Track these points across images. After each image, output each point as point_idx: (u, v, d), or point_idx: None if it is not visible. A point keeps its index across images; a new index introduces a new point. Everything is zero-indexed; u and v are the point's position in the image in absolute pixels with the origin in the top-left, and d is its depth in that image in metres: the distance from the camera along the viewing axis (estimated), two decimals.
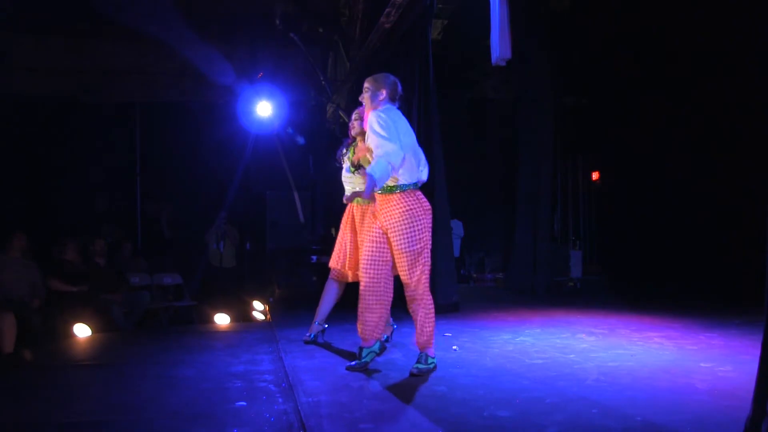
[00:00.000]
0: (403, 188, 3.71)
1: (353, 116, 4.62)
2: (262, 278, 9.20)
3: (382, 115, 3.66)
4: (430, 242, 3.77)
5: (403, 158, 3.62)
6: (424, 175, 3.95)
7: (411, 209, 3.69)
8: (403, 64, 6.52)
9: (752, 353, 3.79)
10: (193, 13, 7.82)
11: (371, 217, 3.93)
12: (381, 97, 3.79)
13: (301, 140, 9.03)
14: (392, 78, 3.87)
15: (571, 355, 4.20)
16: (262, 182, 10.08)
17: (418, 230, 3.69)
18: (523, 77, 8.74)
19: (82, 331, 6.15)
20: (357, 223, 4.59)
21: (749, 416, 2.19)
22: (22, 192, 8.89)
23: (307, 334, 4.80)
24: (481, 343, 4.75)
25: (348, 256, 4.61)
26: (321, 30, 8.91)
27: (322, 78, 9.04)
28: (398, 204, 3.71)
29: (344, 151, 4.75)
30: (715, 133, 7.83)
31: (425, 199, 3.79)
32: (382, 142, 3.55)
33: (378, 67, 7.33)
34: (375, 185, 3.46)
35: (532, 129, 8.52)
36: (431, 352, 3.81)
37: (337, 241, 4.72)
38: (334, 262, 4.69)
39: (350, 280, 4.69)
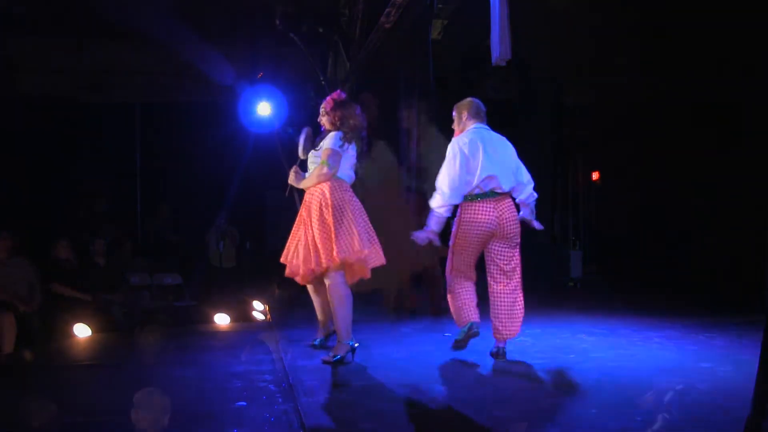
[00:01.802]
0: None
1: (321, 111, 4.43)
2: (262, 278, 9.20)
3: (455, 146, 4.09)
4: (461, 248, 4.15)
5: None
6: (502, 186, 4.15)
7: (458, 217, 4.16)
8: (403, 64, 6.52)
9: (752, 353, 3.78)
10: (193, 13, 7.82)
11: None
12: (464, 118, 4.27)
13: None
14: (468, 99, 4.34)
15: (571, 355, 4.20)
16: (262, 182, 10.07)
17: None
18: (523, 77, 8.75)
19: (82, 331, 6.15)
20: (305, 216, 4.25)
21: (749, 416, 2.19)
22: (21, 192, 8.88)
23: (332, 355, 4.06)
24: (481, 343, 4.75)
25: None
26: (321, 30, 8.90)
27: (322, 78, 9.04)
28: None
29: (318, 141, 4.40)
30: (715, 133, 7.84)
31: (473, 211, 4.07)
32: (441, 181, 4.06)
33: (378, 67, 7.37)
34: (432, 213, 4.08)
35: (532, 129, 8.53)
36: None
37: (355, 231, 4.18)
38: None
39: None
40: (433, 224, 4.11)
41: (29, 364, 5.18)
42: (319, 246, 4.07)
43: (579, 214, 10.72)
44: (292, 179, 4.39)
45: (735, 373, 3.61)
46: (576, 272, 9.31)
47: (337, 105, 4.33)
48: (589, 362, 3.97)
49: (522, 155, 4.36)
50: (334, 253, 3.98)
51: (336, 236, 4.02)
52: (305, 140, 4.46)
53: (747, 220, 6.81)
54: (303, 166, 4.42)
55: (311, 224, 4.16)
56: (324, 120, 4.38)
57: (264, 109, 8.12)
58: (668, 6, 7.21)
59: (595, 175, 10.83)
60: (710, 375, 3.58)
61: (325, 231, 4.06)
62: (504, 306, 4.15)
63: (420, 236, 4.11)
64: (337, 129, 4.29)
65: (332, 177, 4.14)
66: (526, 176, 4.25)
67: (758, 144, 6.86)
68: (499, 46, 4.91)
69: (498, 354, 4.13)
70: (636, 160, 9.35)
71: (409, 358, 4.04)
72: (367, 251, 4.07)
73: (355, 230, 4.03)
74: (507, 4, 4.90)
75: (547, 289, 8.45)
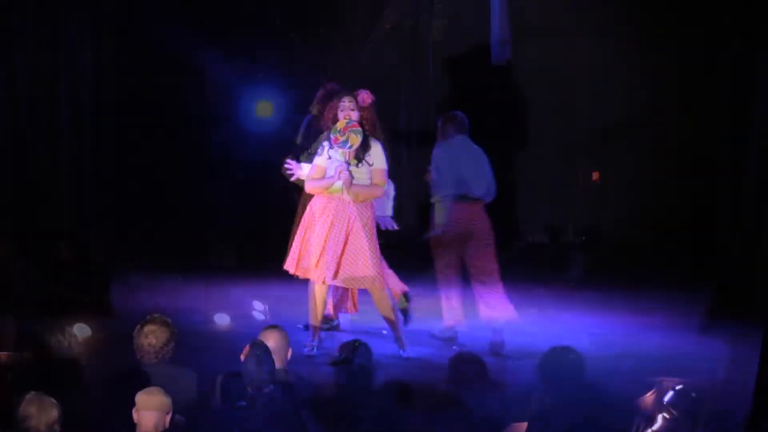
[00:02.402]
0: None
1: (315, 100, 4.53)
2: (261, 278, 9.20)
3: (438, 150, 4.69)
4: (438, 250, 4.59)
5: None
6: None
7: None
8: (404, 64, 6.53)
9: (752, 353, 3.79)
10: (192, 13, 7.83)
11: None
12: (448, 129, 4.78)
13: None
14: (453, 112, 4.88)
15: (571, 356, 4.19)
16: (262, 182, 10.06)
17: None
18: (522, 77, 8.75)
19: (82, 331, 6.14)
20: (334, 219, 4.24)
21: (749, 416, 2.19)
22: (22, 192, 8.87)
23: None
24: (481, 342, 4.75)
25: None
26: (321, 30, 8.92)
27: (322, 78, 9.05)
28: None
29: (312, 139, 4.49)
30: (715, 133, 7.84)
31: (447, 213, 4.49)
32: (436, 178, 4.60)
33: (378, 67, 7.38)
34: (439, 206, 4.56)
35: (532, 128, 8.54)
36: None
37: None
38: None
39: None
40: (439, 216, 4.42)
41: (29, 364, 5.17)
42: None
43: (579, 214, 10.71)
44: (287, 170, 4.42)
45: (735, 373, 3.61)
46: (576, 272, 9.31)
47: (327, 95, 4.35)
48: (589, 362, 3.96)
49: (522, 155, 4.49)
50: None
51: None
52: (306, 128, 4.48)
53: (747, 219, 6.81)
54: (297, 154, 4.45)
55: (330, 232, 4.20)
56: (315, 109, 4.41)
57: (264, 109, 8.14)
58: (669, 5, 7.22)
59: (595, 175, 10.82)
60: (710, 375, 3.58)
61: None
62: (489, 299, 4.51)
63: (435, 232, 4.44)
64: (325, 119, 4.28)
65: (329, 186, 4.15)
66: (493, 186, 4.85)
67: (759, 144, 6.86)
68: (499, 46, 4.94)
69: (497, 353, 4.15)
70: (636, 160, 9.35)
71: (409, 358, 4.04)
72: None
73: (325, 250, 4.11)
74: (507, 4, 4.92)
75: (547, 289, 8.44)
